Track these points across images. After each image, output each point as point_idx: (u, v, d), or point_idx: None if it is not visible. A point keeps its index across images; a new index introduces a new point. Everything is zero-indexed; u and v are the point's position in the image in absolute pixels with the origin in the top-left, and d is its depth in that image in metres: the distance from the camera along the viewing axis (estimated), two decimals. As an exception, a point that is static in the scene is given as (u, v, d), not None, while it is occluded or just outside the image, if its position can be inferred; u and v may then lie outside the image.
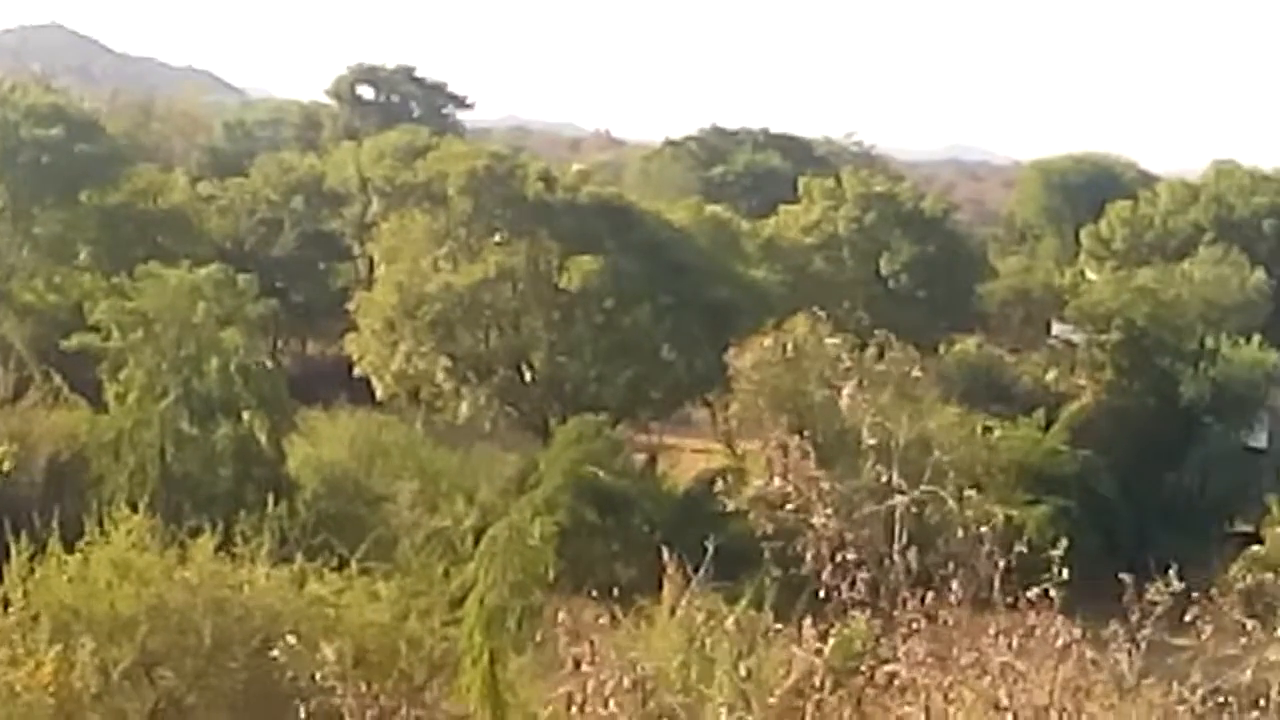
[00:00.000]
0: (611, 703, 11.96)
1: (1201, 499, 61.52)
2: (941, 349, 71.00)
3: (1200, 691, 10.86)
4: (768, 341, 52.18)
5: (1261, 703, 10.69)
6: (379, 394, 65.19)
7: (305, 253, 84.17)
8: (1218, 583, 12.73)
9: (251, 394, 46.84)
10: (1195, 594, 11.92)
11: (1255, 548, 49.77)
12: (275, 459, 46.05)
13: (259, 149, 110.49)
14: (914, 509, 11.80)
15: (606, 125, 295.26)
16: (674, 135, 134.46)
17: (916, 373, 28.43)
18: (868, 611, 11.47)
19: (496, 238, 66.45)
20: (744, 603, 22.95)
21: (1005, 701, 10.69)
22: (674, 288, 64.83)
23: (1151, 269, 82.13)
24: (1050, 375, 69.56)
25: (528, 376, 66.79)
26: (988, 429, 57.96)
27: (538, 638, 29.23)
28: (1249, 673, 10.98)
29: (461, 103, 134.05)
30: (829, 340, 44.23)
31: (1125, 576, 11.23)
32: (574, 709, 11.96)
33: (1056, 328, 75.25)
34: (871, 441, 12.12)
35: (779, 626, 17.27)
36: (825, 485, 11.65)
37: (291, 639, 17.53)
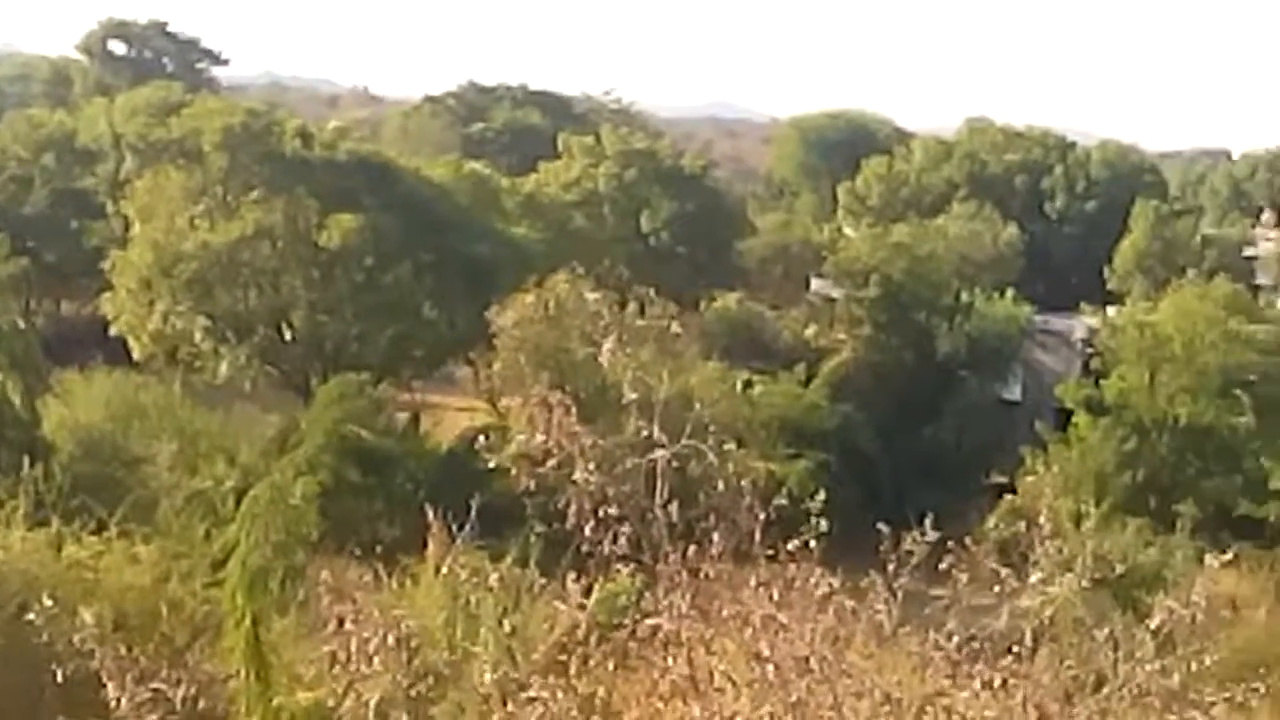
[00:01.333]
0: (375, 660, 11.90)
1: (959, 452, 62.60)
2: (702, 305, 71.49)
3: (956, 639, 11.06)
4: (529, 299, 52.14)
5: (1015, 649, 10.92)
6: (136, 354, 64.09)
7: (57, 211, 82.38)
8: (974, 533, 12.96)
9: (3, 355, 45.81)
10: (951, 544, 12.13)
11: (1009, 498, 50.78)
12: (29, 421, 45.04)
13: (6, 105, 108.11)
14: (675, 464, 11.85)
15: (364, 82, 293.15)
16: (433, 92, 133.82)
17: (676, 328, 28.59)
18: (630, 566, 11.51)
19: (254, 195, 65.56)
20: (509, 560, 22.96)
21: (767, 652, 10.80)
22: (435, 245, 64.52)
23: (907, 225, 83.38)
24: (810, 331, 70.37)
25: (288, 335, 66.08)
26: (749, 384, 58.54)
27: (301, 598, 28.97)
28: (1003, 620, 11.20)
29: (216, 58, 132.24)
30: (589, 296, 44.31)
31: (883, 528, 11.42)
32: (337, 668, 11.88)
33: (815, 283, 76.12)
34: (632, 397, 12.15)
35: (544, 583, 17.33)
36: (587, 441, 11.66)
37: (49, 603, 17.19)
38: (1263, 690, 35.18)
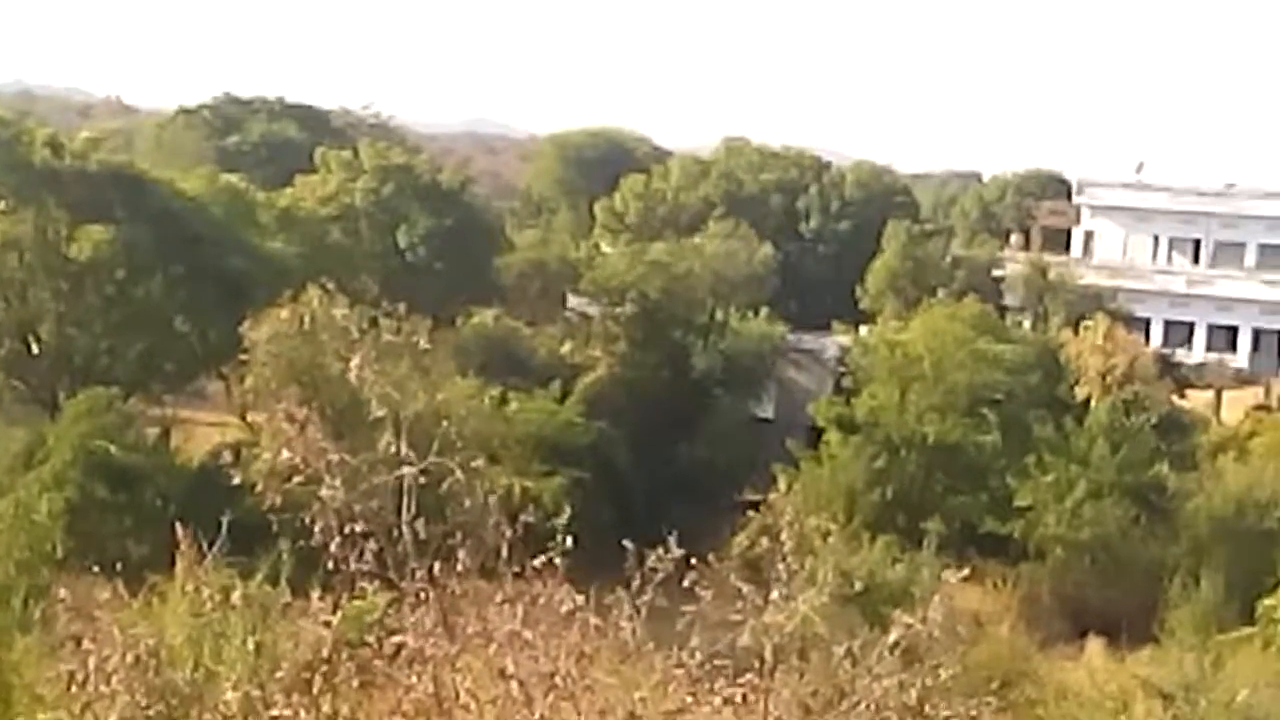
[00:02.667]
0: (114, 680, 11.70)
1: (712, 469, 63.07)
2: (459, 321, 71.29)
3: (699, 656, 11.15)
4: (284, 313, 51.63)
5: (757, 664, 11.05)
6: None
7: None
8: (722, 550, 13.08)
9: None
10: (701, 561, 12.22)
11: (758, 515, 51.22)
12: None
13: None
14: (424, 480, 11.81)
15: (118, 91, 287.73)
16: (188, 103, 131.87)
17: (425, 344, 28.47)
18: (376, 583, 11.46)
19: (1, 206, 64.17)
20: (259, 577, 22.71)
21: (511, 669, 10.81)
22: (188, 258, 63.64)
23: (664, 243, 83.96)
24: (566, 347, 70.49)
25: (35, 348, 64.70)
26: (504, 401, 58.50)
27: (44, 617, 28.41)
28: (746, 636, 11.30)
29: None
30: (338, 312, 44.04)
31: (629, 544, 11.49)
32: (74, 688, 11.67)
33: (572, 300, 76.30)
34: (380, 413, 12.11)
35: (294, 601, 17.15)
36: (334, 457, 11.59)
37: None
38: (1003, 703, 35.93)
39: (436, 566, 11.21)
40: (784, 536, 11.63)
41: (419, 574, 11.16)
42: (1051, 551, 52.60)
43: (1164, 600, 47.96)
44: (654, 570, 11.31)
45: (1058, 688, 36.91)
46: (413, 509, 11.52)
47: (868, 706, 10.81)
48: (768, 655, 10.86)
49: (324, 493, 11.33)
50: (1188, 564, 49.83)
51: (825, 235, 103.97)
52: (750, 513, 55.11)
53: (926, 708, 10.86)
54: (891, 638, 11.03)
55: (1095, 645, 44.63)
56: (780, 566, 11.41)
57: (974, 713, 11.23)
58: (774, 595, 11.23)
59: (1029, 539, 52.91)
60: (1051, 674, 39.57)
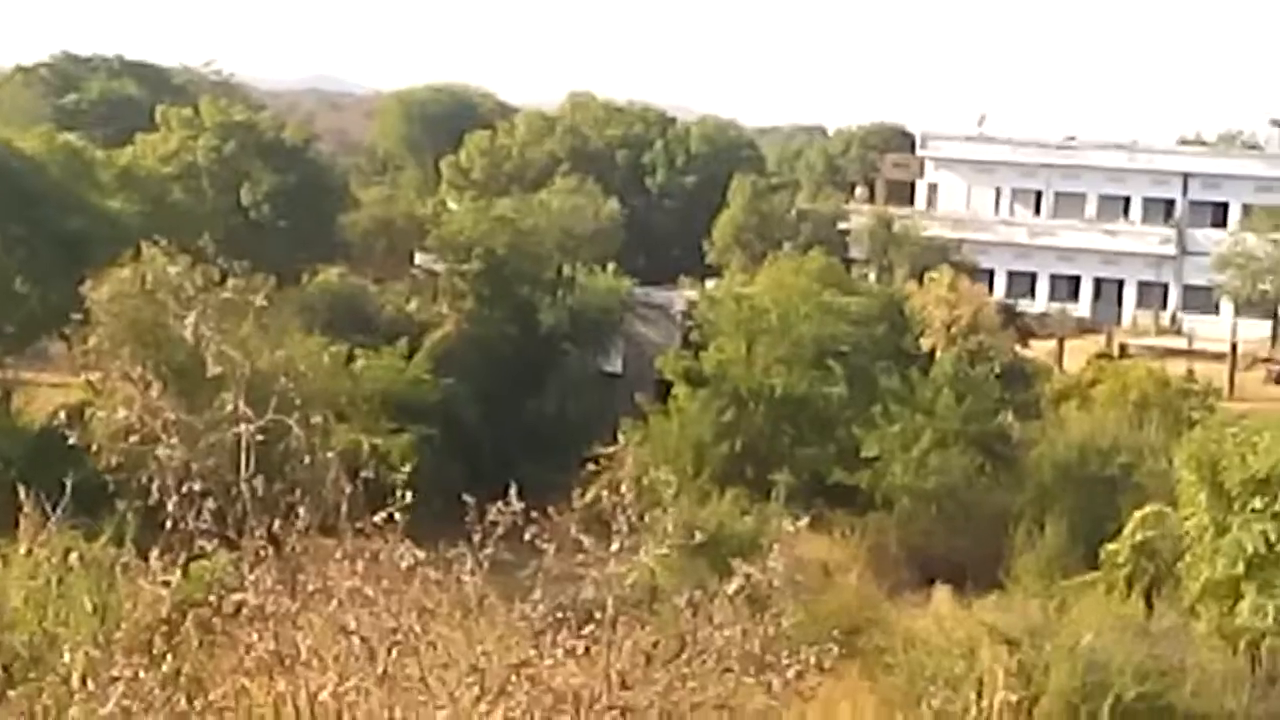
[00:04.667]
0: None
1: (562, 424, 63.01)
2: (304, 279, 70.75)
3: (542, 609, 11.18)
4: (125, 273, 50.96)
5: (598, 616, 11.07)
6: None
7: None
8: (569, 504, 13.08)
9: None
10: (547, 515, 12.22)
11: (606, 469, 51.22)
12: None
13: None
14: (266, 438, 11.74)
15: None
16: (24, 61, 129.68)
17: (264, 302, 28.21)
18: (215, 542, 11.37)
19: None
20: (104, 539, 22.46)
21: (354, 625, 10.78)
22: (26, 218, 62.69)
23: (510, 199, 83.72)
24: (413, 304, 70.17)
25: None
26: (351, 358, 58.16)
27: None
28: (590, 589, 11.34)
29: None
30: (173, 270, 43.60)
31: (470, 499, 11.47)
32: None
33: (419, 257, 75.96)
34: (217, 370, 12.00)
35: (138, 561, 16.96)
36: (170, 416, 11.48)
37: None
38: (852, 651, 36.16)
39: (277, 524, 11.15)
40: (624, 489, 11.66)
41: (259, 532, 11.09)
42: (898, 501, 53.03)
43: (1009, 547, 48.49)
44: (494, 524, 11.32)
45: (905, 635, 37.21)
46: (252, 467, 11.44)
47: (710, 656, 10.87)
48: (610, 607, 10.90)
49: (160, 452, 11.23)
50: (1032, 511, 50.40)
51: (671, 190, 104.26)
52: (601, 467, 55.40)
53: (768, 656, 10.94)
54: (732, 587, 11.09)
55: (942, 593, 45.02)
56: (621, 519, 11.43)
57: (815, 660, 11.32)
58: (615, 547, 11.26)
59: (876, 489, 53.31)
60: (899, 621, 39.86)
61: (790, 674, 10.91)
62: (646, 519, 12.39)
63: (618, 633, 10.86)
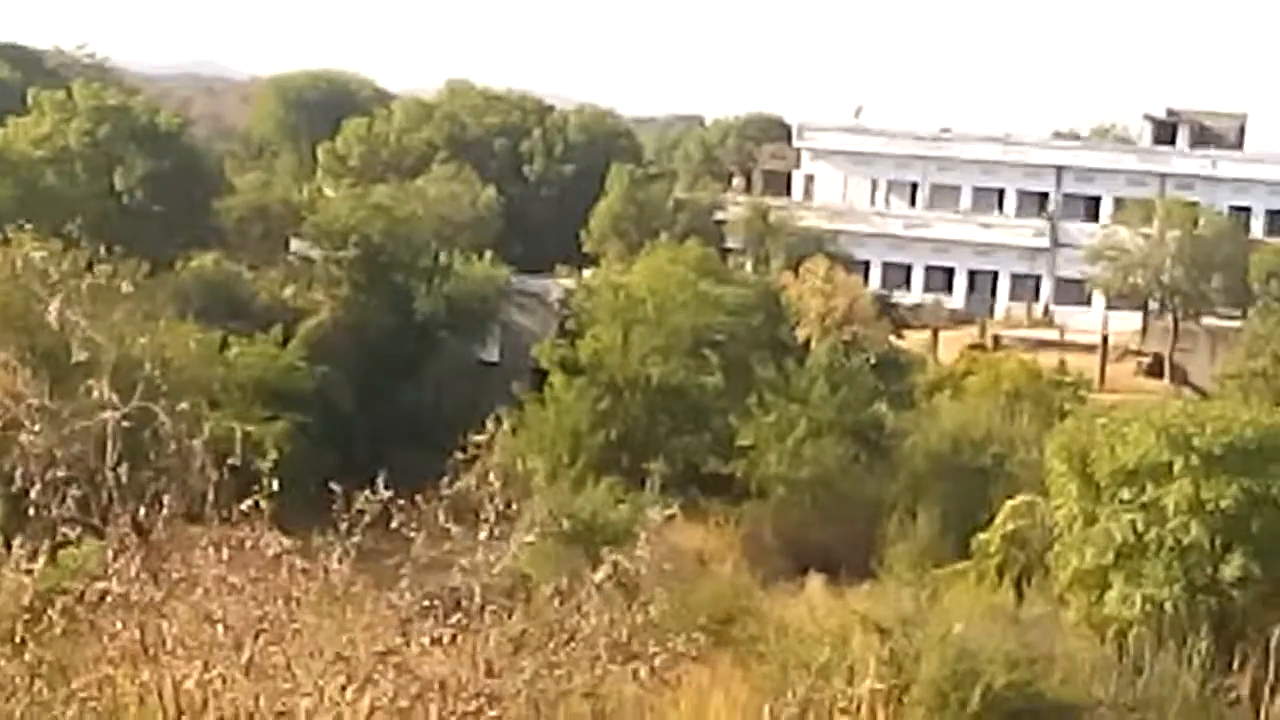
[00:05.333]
0: None
1: (438, 412, 62.77)
2: (179, 265, 70.08)
3: (409, 596, 11.14)
4: (-6, 258, 50.28)
5: (464, 604, 11.06)
6: None
7: None
8: (441, 493, 13.04)
9: None
10: (418, 503, 12.18)
11: (481, 458, 51.06)
12: None
13: None
14: (135, 425, 11.63)
15: None
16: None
17: (131, 287, 27.99)
18: (82, 529, 11.26)
19: None
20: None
21: (219, 614, 10.70)
22: (-107, 202, 61.76)
23: (387, 186, 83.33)
24: (288, 291, 69.67)
25: None
26: (225, 345, 57.69)
27: None
28: (459, 577, 11.32)
29: None
30: (37, 254, 43.15)
31: (337, 487, 11.41)
32: None
33: (295, 244, 75.42)
34: (83, 357, 11.87)
35: (1, 549, 16.77)
36: (36, 402, 11.35)
37: None
38: (725, 639, 36.27)
39: (143, 512, 11.04)
40: (492, 477, 11.64)
41: (124, 520, 10.99)
42: (773, 490, 53.25)
43: (882, 536, 48.81)
44: (361, 512, 11.27)
45: (779, 623, 37.38)
46: (119, 454, 11.32)
47: (578, 644, 10.88)
48: (477, 595, 10.89)
49: (24, 438, 11.10)
50: (905, 501, 50.77)
51: (549, 178, 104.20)
52: (476, 456, 55.19)
53: (636, 644, 10.95)
54: (599, 575, 11.09)
55: (816, 581, 45.26)
56: (489, 507, 11.42)
57: (682, 649, 11.35)
58: (483, 536, 11.25)
59: (751, 478, 53.52)
60: (773, 610, 40.04)
61: (657, 662, 10.93)
62: (516, 507, 12.37)
63: (485, 621, 10.85)
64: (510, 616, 10.91)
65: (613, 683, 10.83)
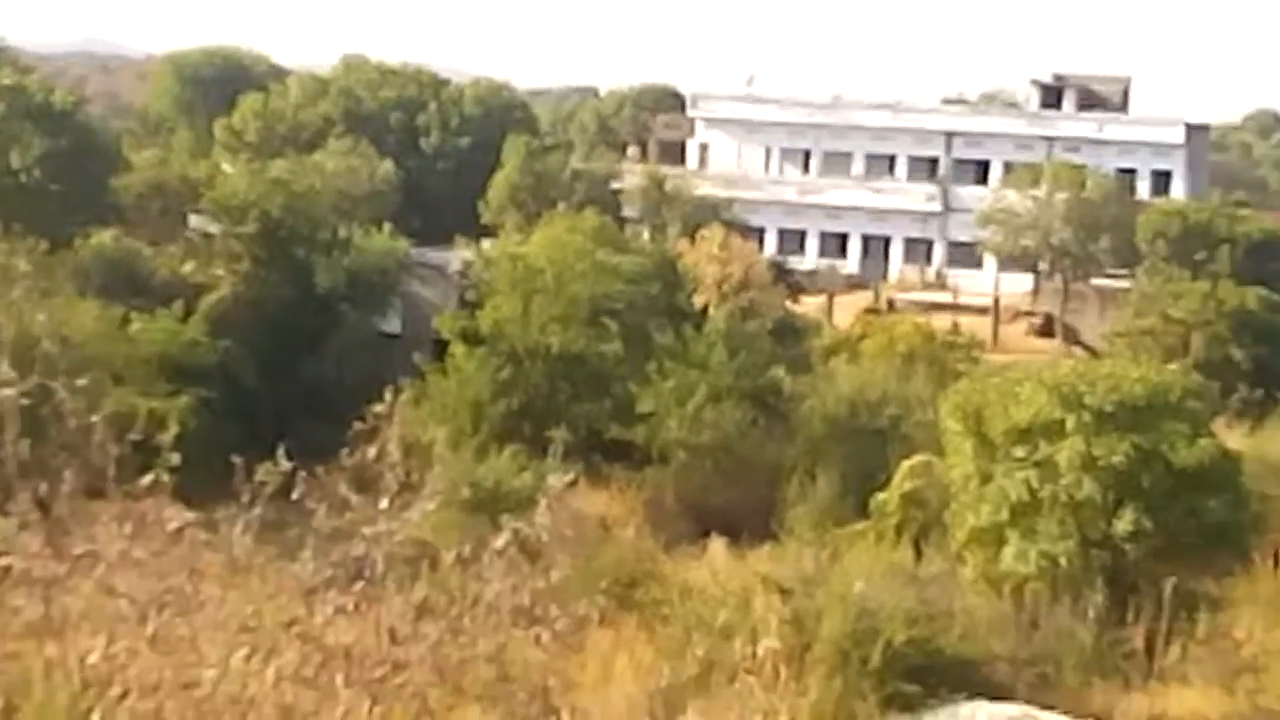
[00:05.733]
0: None
1: (340, 385, 62.70)
2: (78, 243, 69.68)
3: (312, 566, 11.31)
4: (-112, 240, 50.04)
5: (367, 573, 11.23)
6: None
7: None
8: (343, 464, 13.19)
9: None
10: (322, 474, 12.33)
11: (384, 428, 51.09)
12: None
13: None
14: (35, 401, 11.73)
15: None
16: None
17: (25, 266, 28.03)
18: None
19: None
20: None
21: (123, 588, 10.84)
22: None
23: (285, 161, 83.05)
24: (189, 267, 69.39)
25: None
26: (126, 321, 57.51)
27: None
28: (362, 547, 11.48)
29: None
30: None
31: (238, 460, 11.58)
32: None
33: (194, 220, 75.10)
34: (-19, 337, 11.94)
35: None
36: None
37: None
38: (630, 603, 36.53)
39: (43, 488, 11.16)
40: (392, 448, 11.82)
41: (25, 496, 11.11)
42: (674, 455, 53.54)
43: (783, 499, 49.20)
44: (263, 484, 11.42)
45: (682, 587, 37.66)
46: (17, 431, 11.43)
47: (480, 610, 11.08)
48: (380, 564, 11.08)
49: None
50: (805, 463, 51.15)
51: (446, 151, 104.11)
52: (369, 426, 55.02)
53: (538, 609, 11.17)
54: (499, 543, 11.30)
55: (718, 545, 45.60)
56: (389, 477, 11.60)
57: (584, 612, 11.57)
58: (384, 505, 11.42)
59: (652, 444, 53.79)
60: (676, 573, 40.33)
61: (559, 626, 11.15)
62: (419, 477, 12.55)
63: (389, 589, 11.05)
64: (413, 584, 11.11)
65: (516, 647, 11.04)
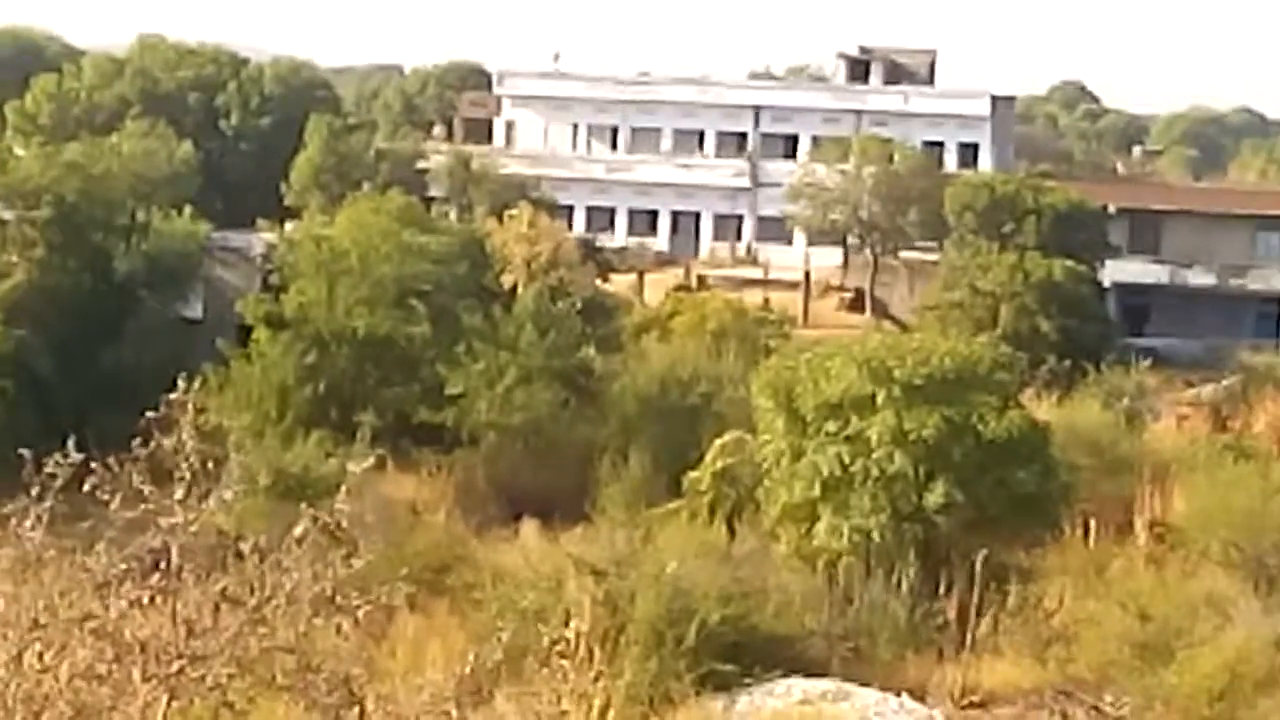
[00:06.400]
0: None
1: (140, 372, 61.48)
2: None
3: (105, 559, 10.90)
4: None
5: (163, 564, 10.86)
6: None
7: None
8: (143, 453, 12.73)
9: None
10: (110, 466, 11.88)
11: (183, 414, 50.20)
12: None
13: None
14: None
15: None
16: None
17: None
18: None
19: None
20: None
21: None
22: None
23: (80, 144, 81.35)
24: (-20, 254, 67.78)
25: None
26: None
27: None
28: (159, 538, 11.09)
29: None
30: None
31: (27, 452, 11.13)
32: None
33: (-15, 206, 73.40)
34: None
35: None
36: None
37: None
38: (441, 588, 36.07)
39: None
40: (187, 436, 11.41)
41: None
42: (485, 438, 53.15)
43: (596, 479, 48.98)
44: (54, 476, 11.00)
45: (494, 570, 37.43)
46: None
47: (280, 600, 10.74)
48: (175, 556, 10.69)
49: None
50: (617, 443, 50.98)
51: (247, 132, 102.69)
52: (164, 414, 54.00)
53: (339, 597, 10.85)
54: (298, 531, 10.96)
55: (530, 527, 45.36)
56: (184, 467, 11.20)
57: (386, 599, 11.27)
58: (179, 495, 11.03)
59: (462, 426, 53.34)
60: (488, 557, 40.06)
61: (361, 614, 10.84)
62: (222, 465, 12.17)
63: (185, 580, 10.67)
64: (209, 576, 10.74)
65: (316, 637, 10.72)
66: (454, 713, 11.05)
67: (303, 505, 12.10)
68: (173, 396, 11.82)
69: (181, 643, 10.52)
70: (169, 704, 10.35)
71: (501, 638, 13.90)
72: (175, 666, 10.40)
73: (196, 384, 12.56)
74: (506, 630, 18.36)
